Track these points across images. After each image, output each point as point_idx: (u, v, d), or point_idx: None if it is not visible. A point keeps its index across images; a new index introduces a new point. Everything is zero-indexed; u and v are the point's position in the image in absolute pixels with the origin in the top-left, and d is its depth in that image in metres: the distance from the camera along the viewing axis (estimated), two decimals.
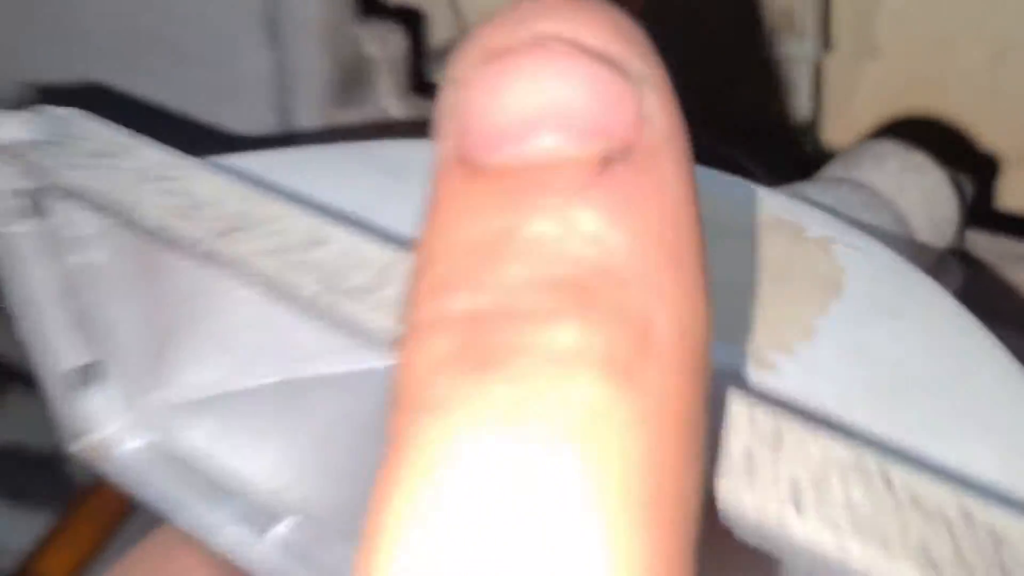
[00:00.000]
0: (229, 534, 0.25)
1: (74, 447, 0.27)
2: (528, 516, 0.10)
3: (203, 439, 0.27)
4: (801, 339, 0.18)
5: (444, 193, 0.12)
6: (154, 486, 0.26)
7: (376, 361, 0.20)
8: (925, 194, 0.31)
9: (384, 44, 0.41)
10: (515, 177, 0.12)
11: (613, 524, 0.10)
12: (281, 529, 0.26)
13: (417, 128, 0.30)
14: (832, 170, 0.31)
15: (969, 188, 0.33)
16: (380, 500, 0.11)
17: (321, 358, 0.26)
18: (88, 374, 0.26)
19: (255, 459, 0.27)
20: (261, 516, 0.26)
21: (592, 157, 0.11)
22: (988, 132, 0.34)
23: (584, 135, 0.12)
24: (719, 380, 0.13)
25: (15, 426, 1.36)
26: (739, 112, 0.38)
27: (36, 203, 0.22)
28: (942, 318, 0.20)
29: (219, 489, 0.26)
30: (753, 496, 0.13)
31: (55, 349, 0.25)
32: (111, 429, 0.27)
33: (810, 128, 0.37)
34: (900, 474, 0.13)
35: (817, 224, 0.21)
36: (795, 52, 0.35)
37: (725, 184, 0.22)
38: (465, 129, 0.12)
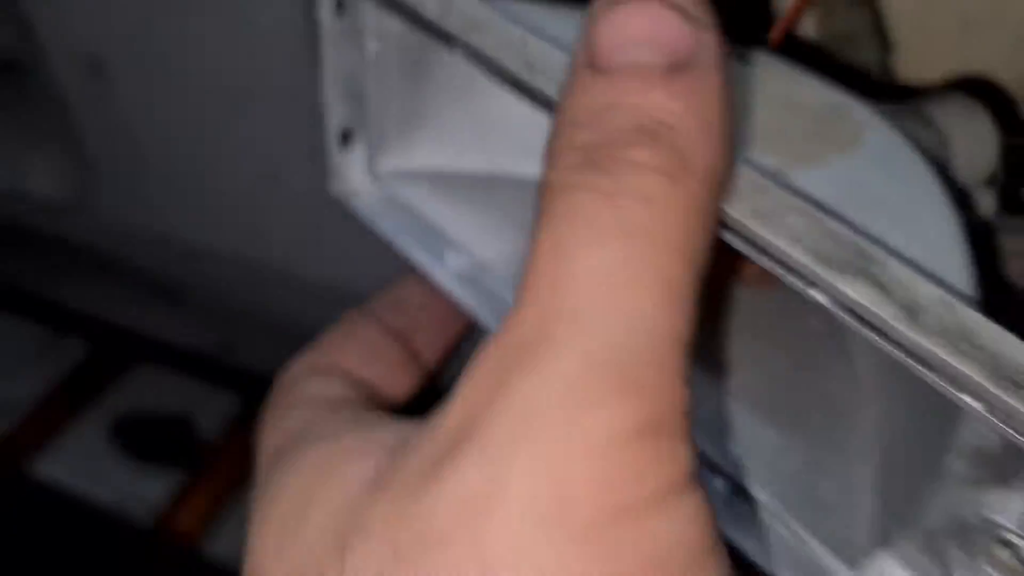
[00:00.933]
0: (422, 256, 0.35)
1: (332, 189, 0.38)
2: (619, 233, 0.20)
3: (420, 198, 0.37)
4: (813, 162, 0.26)
5: (578, 80, 0.22)
6: (382, 224, 0.37)
7: None
8: (970, 131, 0.36)
9: None
10: (620, 73, 0.22)
11: (660, 234, 0.20)
12: (458, 260, 0.36)
13: None
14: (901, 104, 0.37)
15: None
16: (536, 233, 0.21)
17: (518, 164, 0.37)
18: (346, 137, 0.36)
19: (455, 217, 0.36)
20: (446, 248, 0.36)
21: (664, 64, 0.21)
22: None
23: (661, 52, 0.21)
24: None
25: (146, 395, 1.52)
26: None
27: (340, 3, 0.34)
28: (925, 193, 0.27)
29: (426, 229, 0.36)
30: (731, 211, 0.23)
31: (329, 115, 0.36)
32: (354, 180, 0.37)
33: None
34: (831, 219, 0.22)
35: (861, 114, 0.29)
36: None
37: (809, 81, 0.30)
38: (593, 44, 0.22)
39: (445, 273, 0.35)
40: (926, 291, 0.20)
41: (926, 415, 0.25)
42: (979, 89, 0.37)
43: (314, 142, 0.37)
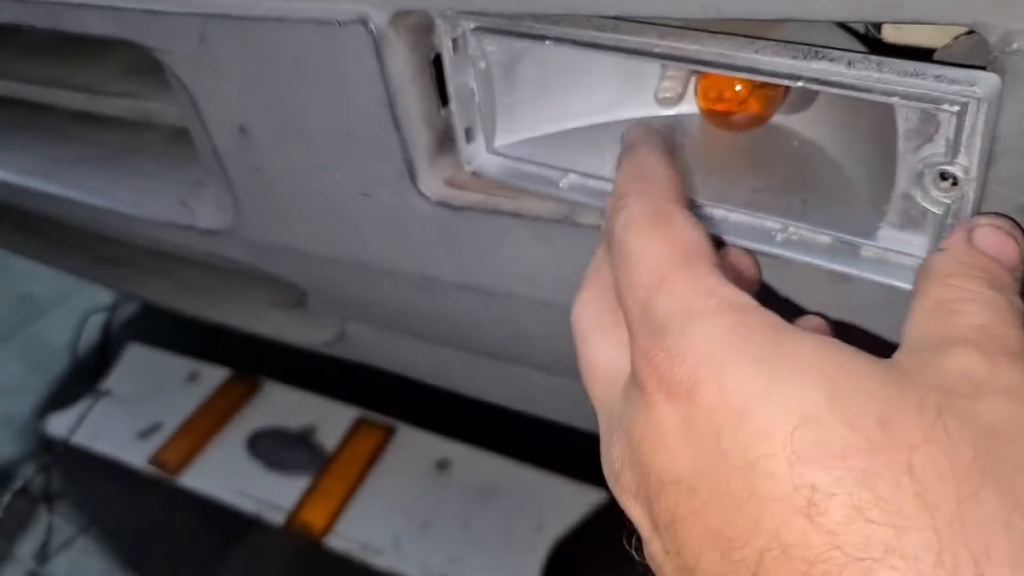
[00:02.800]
0: (543, 188, 0.50)
1: (467, 169, 0.52)
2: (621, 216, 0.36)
3: (529, 155, 0.51)
4: None
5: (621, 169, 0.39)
6: (510, 179, 0.51)
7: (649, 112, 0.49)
8: None
9: None
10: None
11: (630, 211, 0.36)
12: (567, 180, 0.50)
13: None
14: None
15: None
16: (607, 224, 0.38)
17: (607, 113, 0.51)
18: (468, 132, 0.51)
19: (555, 158, 0.50)
20: (560, 176, 0.50)
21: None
22: None
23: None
24: None
25: (273, 412, 1.72)
26: None
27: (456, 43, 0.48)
28: None
29: (538, 173, 0.51)
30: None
31: (456, 120, 0.50)
32: (480, 160, 0.53)
33: None
34: None
35: None
36: None
37: None
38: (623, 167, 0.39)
39: (562, 191, 0.50)
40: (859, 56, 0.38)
41: (879, 134, 0.40)
42: None
43: (396, 166, 0.53)
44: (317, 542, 1.50)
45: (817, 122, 0.50)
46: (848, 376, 0.28)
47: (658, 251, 0.33)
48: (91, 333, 1.89)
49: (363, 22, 0.48)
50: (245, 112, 0.56)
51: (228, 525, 1.54)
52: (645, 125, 0.43)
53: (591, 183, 0.49)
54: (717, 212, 0.46)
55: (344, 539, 1.50)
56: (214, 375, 1.78)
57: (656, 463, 0.30)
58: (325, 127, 0.54)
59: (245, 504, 1.56)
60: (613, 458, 0.33)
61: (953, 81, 0.36)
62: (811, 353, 0.29)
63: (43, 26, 0.60)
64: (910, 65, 0.37)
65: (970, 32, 0.40)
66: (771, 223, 0.45)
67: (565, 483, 1.51)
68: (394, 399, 1.64)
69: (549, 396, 0.72)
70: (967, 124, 0.36)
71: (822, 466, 0.26)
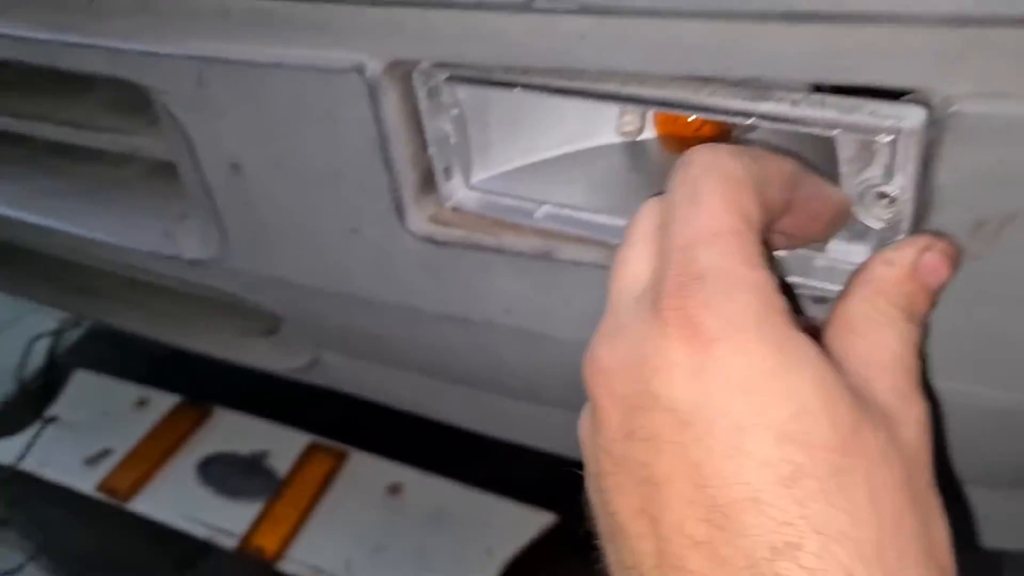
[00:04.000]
0: (518, 218, 0.54)
1: (447, 206, 0.56)
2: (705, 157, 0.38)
3: (504, 187, 0.55)
4: None
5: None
6: (488, 213, 0.55)
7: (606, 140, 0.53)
8: None
9: None
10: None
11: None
12: (541, 210, 0.54)
13: None
14: None
15: None
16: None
17: (572, 144, 0.55)
18: (447, 171, 0.55)
19: (528, 190, 0.54)
20: (534, 207, 0.54)
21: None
22: None
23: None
24: None
25: (224, 437, 1.72)
26: None
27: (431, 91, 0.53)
28: None
29: (513, 203, 0.55)
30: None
31: (435, 161, 0.54)
32: (459, 196, 0.56)
33: None
34: None
35: None
36: None
37: None
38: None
39: (538, 221, 0.54)
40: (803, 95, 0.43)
41: (823, 158, 0.44)
42: None
43: (385, 204, 0.57)
44: (270, 567, 1.50)
45: (770, 143, 0.55)
46: (835, 384, 0.33)
47: (725, 204, 0.35)
48: (36, 359, 1.87)
49: (359, 70, 0.52)
50: (239, 150, 0.60)
51: (180, 551, 1.54)
52: None
53: (564, 212, 0.53)
54: None
55: (297, 564, 1.51)
56: (163, 401, 1.78)
57: (656, 384, 0.33)
58: (317, 166, 0.57)
59: (197, 530, 1.56)
60: (602, 353, 0.36)
61: (886, 116, 0.41)
62: (813, 356, 0.33)
63: (39, 63, 0.63)
64: (848, 102, 0.42)
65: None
66: None
67: (515, 507, 1.54)
68: (346, 424, 1.66)
69: (522, 424, 0.76)
70: (900, 150, 0.41)
71: (806, 450, 0.31)
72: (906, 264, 0.40)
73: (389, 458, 1.64)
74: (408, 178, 0.56)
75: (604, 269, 0.50)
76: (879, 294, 0.39)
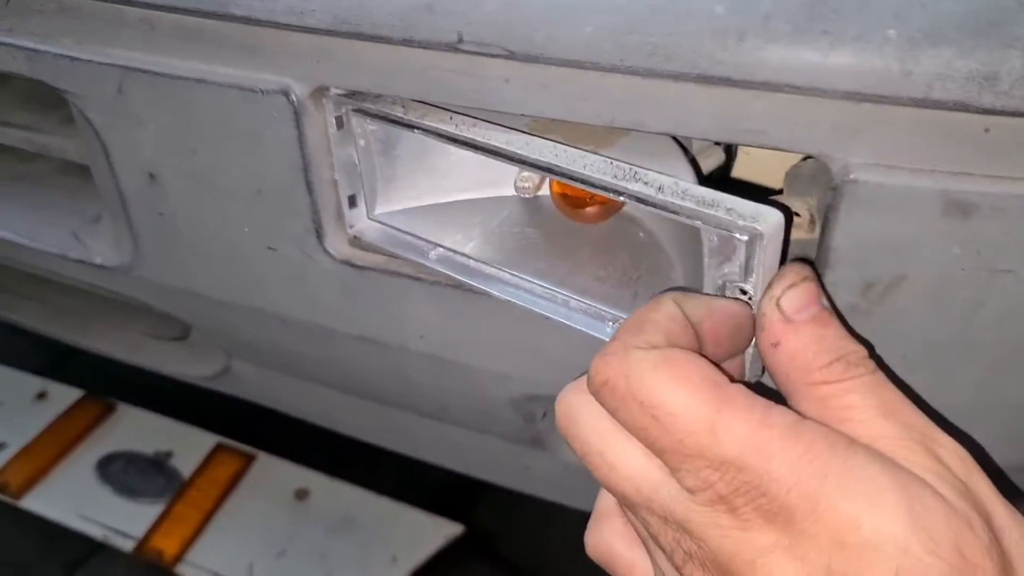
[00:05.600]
0: (413, 255, 0.55)
1: (348, 232, 0.56)
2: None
3: (404, 223, 0.55)
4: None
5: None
6: (383, 244, 0.55)
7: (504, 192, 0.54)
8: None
9: None
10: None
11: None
12: (436, 252, 0.55)
13: None
14: None
15: None
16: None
17: (474, 191, 0.56)
18: (352, 200, 0.56)
19: (427, 229, 0.55)
20: (428, 247, 0.55)
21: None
22: None
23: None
24: None
25: (126, 435, 1.67)
26: None
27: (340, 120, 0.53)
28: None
29: (411, 241, 0.55)
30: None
31: (340, 188, 0.55)
32: (360, 225, 0.57)
33: None
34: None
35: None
36: None
37: None
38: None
39: (431, 261, 0.55)
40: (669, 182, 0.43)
41: (694, 246, 0.45)
42: None
43: (305, 225, 0.57)
44: (168, 570, 1.47)
45: (660, 217, 0.56)
46: (916, 499, 0.34)
47: (688, 397, 0.35)
48: None
49: (285, 93, 0.52)
50: (156, 160, 0.59)
51: (72, 551, 1.49)
52: None
53: (456, 258, 0.54)
54: (559, 296, 0.51)
55: (196, 568, 1.48)
56: (64, 395, 1.72)
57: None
58: (237, 183, 0.57)
59: (92, 530, 1.51)
60: (666, 557, 0.37)
61: (741, 216, 0.42)
62: (879, 473, 0.35)
63: None
64: (709, 195, 0.43)
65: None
66: (605, 311, 0.50)
67: (421, 515, 1.54)
68: (255, 427, 1.64)
69: (427, 439, 0.77)
70: (756, 251, 0.41)
71: None
72: (775, 319, 0.40)
73: (297, 463, 1.62)
74: (329, 201, 0.56)
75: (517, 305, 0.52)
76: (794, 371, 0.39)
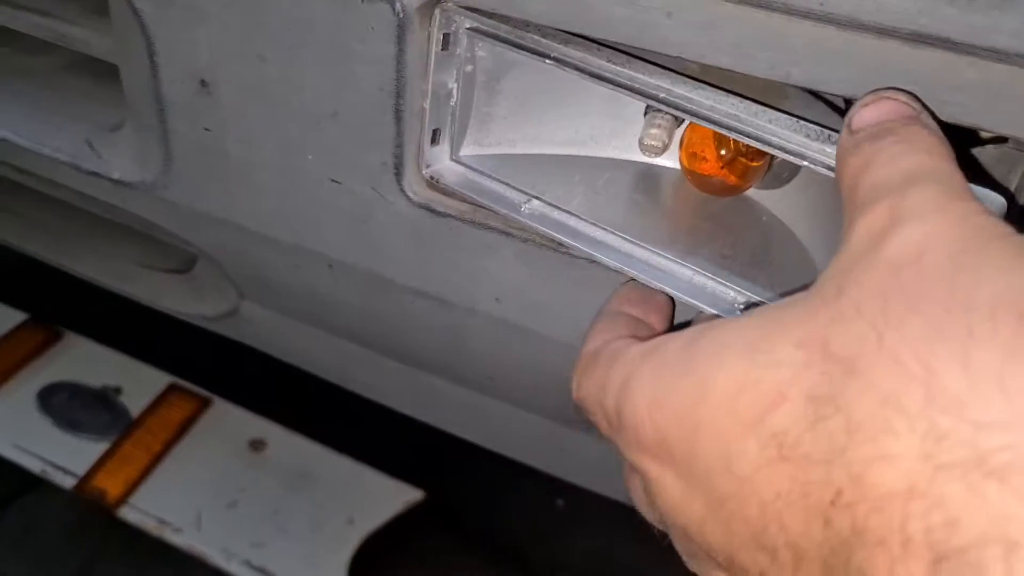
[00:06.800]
0: (502, 208, 0.47)
1: (425, 172, 0.48)
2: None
3: (494, 170, 0.48)
4: None
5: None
6: (468, 192, 0.48)
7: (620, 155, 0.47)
8: None
9: None
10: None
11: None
12: (530, 206, 0.47)
13: None
14: None
15: None
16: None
17: (580, 147, 0.49)
18: (435, 134, 0.48)
19: (522, 181, 0.47)
20: (523, 200, 0.47)
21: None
22: None
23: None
24: None
25: (73, 366, 1.56)
26: None
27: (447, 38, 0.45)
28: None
29: (501, 191, 0.47)
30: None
31: (427, 119, 0.47)
32: (439, 166, 0.49)
33: None
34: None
35: None
36: None
37: None
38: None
39: (523, 215, 0.47)
40: None
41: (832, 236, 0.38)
42: None
43: (382, 158, 0.49)
44: (110, 512, 1.38)
45: (788, 202, 0.50)
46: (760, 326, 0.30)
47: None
48: None
49: (391, 2, 0.44)
50: (213, 66, 0.51)
51: (6, 484, 1.39)
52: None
53: (555, 215, 0.47)
54: (683, 271, 0.45)
55: (140, 512, 1.39)
56: (7, 317, 1.60)
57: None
58: (310, 102, 0.49)
59: (29, 462, 1.41)
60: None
61: None
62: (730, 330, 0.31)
63: None
64: None
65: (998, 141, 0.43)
66: (734, 293, 0.44)
67: (382, 478, 1.48)
68: (213, 369, 1.55)
69: (454, 410, 0.70)
70: None
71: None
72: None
73: (255, 411, 1.54)
74: (414, 135, 0.49)
75: (619, 274, 0.46)
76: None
